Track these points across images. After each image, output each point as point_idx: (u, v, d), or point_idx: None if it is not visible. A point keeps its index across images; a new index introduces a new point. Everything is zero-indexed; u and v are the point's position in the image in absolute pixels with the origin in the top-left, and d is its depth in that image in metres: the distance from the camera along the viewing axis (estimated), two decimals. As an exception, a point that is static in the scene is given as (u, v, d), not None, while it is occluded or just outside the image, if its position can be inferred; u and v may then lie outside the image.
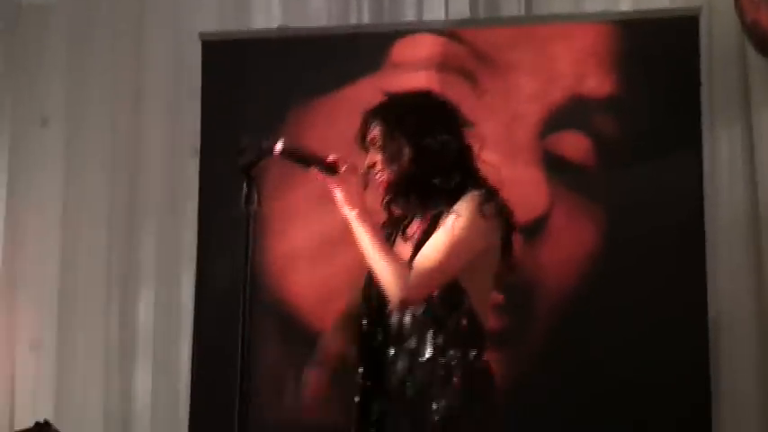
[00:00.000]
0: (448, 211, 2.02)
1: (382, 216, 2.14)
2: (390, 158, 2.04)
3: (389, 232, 2.14)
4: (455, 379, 1.98)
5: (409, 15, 3.43)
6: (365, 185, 2.04)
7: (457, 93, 3.14)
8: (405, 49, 3.23)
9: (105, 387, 3.43)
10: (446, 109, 2.14)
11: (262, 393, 3.10)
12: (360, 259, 2.04)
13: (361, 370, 2.06)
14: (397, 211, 2.14)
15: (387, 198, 2.11)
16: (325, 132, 3.06)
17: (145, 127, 3.54)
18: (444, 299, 2.01)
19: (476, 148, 2.12)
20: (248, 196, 1.64)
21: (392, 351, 2.04)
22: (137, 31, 3.59)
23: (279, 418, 3.09)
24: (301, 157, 1.96)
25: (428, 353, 2.00)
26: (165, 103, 3.53)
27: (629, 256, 2.98)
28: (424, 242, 2.02)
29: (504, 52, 3.16)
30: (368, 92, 3.15)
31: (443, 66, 3.19)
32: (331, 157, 1.97)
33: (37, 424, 2.93)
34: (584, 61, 3.12)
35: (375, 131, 2.09)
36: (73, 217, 3.53)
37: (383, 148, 2.06)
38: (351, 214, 1.98)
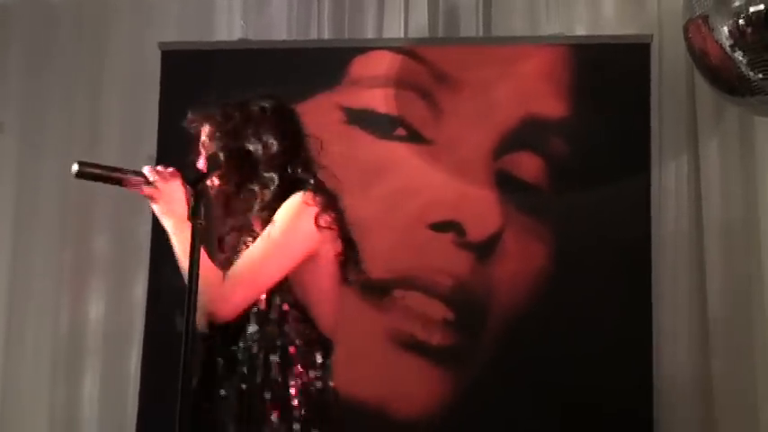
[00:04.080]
0: (271, 218, 1.91)
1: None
2: (211, 162, 1.90)
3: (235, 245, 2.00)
4: (295, 402, 1.87)
5: (369, 32, 3.47)
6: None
7: (414, 110, 3.22)
8: (364, 66, 3.26)
9: (52, 391, 3.41)
10: (278, 113, 2.03)
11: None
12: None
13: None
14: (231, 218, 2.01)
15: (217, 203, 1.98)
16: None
17: (102, 132, 3.53)
18: (279, 315, 1.90)
19: (315, 154, 2.03)
20: (195, 210, 1.65)
21: (227, 370, 1.90)
22: (97, 38, 3.58)
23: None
24: (102, 177, 1.82)
25: (262, 375, 1.87)
26: (124, 109, 3.53)
27: (577, 275, 3.04)
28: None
29: (461, 71, 3.21)
30: (326, 107, 3.22)
31: (401, 83, 3.23)
32: (141, 169, 1.85)
33: None
34: (538, 83, 3.17)
35: (203, 135, 2.00)
36: (25, 219, 3.52)
37: (207, 152, 1.97)
38: (167, 225, 1.87)
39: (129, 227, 3.42)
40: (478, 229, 3.12)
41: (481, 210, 3.13)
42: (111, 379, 3.40)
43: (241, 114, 1.99)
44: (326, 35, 3.48)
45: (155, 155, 3.29)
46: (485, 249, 3.11)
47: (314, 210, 1.93)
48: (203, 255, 1.79)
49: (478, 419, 3.01)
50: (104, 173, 1.80)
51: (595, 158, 3.10)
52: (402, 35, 3.42)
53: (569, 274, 3.05)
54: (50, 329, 3.46)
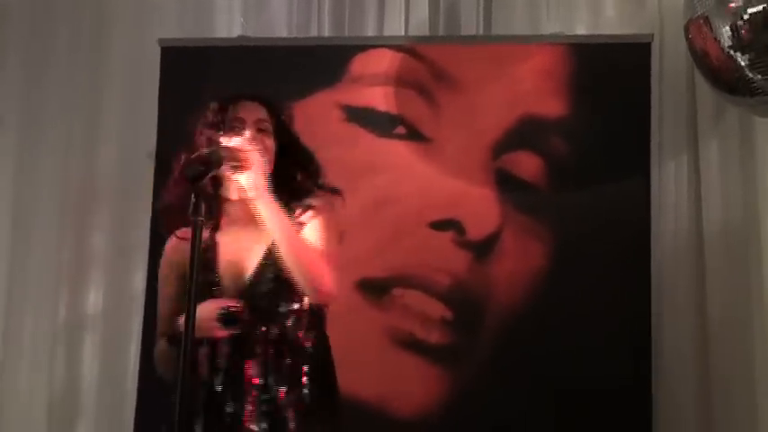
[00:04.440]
0: (305, 211, 2.06)
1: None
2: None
3: None
4: (310, 377, 1.99)
5: (370, 30, 3.46)
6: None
7: (414, 108, 3.21)
8: (364, 63, 3.25)
9: (50, 384, 3.41)
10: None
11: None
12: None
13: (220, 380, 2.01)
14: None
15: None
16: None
17: (101, 128, 3.53)
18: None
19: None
20: (196, 207, 1.65)
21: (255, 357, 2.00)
22: (97, 34, 3.57)
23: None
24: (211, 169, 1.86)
25: (292, 350, 2.00)
26: (124, 105, 3.52)
27: (576, 274, 3.04)
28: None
29: (461, 70, 3.20)
30: (326, 105, 3.22)
31: (402, 81, 3.23)
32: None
33: None
34: (538, 82, 3.17)
35: (260, 114, 2.10)
36: (23, 215, 3.51)
37: (272, 135, 2.09)
38: (266, 199, 1.93)
39: (129, 219, 3.41)
40: (478, 228, 3.12)
41: (480, 208, 3.13)
42: (109, 371, 3.40)
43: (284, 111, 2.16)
44: (327, 33, 3.47)
45: (154, 151, 3.29)
46: (484, 248, 3.11)
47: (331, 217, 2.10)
48: (295, 233, 1.96)
49: (477, 418, 3.01)
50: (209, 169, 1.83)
51: (595, 158, 3.10)
52: (402, 33, 3.41)
53: (568, 274, 3.05)
54: (49, 322, 3.45)
